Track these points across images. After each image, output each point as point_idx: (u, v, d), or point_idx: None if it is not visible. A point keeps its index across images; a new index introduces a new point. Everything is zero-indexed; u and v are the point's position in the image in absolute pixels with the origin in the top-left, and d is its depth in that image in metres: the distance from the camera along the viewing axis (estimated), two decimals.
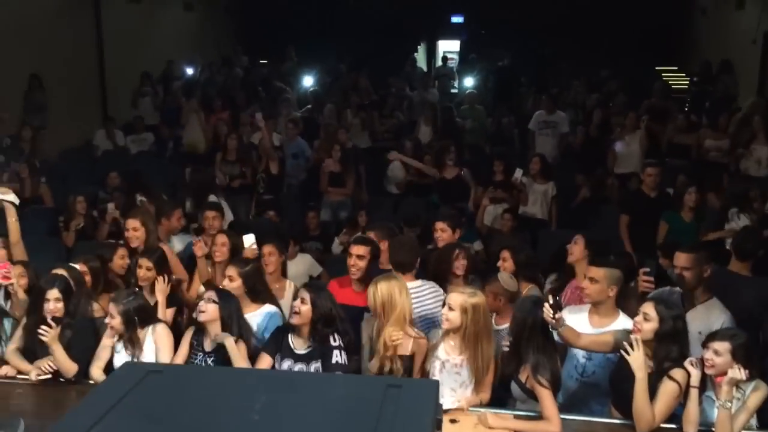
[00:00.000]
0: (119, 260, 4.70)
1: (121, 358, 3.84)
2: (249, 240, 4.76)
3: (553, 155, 8.99)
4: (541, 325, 3.48)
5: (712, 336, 3.37)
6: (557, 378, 3.50)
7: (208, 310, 3.79)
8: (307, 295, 3.68)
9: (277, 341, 3.77)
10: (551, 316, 3.41)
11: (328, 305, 3.70)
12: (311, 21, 15.46)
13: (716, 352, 3.27)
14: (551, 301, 3.46)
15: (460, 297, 3.56)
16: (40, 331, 3.76)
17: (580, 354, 3.76)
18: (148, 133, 10.35)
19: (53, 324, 3.78)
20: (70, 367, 3.81)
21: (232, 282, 4.10)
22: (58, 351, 3.79)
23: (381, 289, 3.68)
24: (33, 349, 3.94)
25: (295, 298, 4.52)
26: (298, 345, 3.72)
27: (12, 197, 4.63)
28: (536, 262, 4.74)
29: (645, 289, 4.05)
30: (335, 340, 3.67)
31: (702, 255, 4.02)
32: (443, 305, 3.64)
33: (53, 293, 3.88)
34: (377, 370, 3.63)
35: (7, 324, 4.13)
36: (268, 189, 7.74)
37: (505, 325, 4.03)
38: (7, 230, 4.62)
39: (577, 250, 4.53)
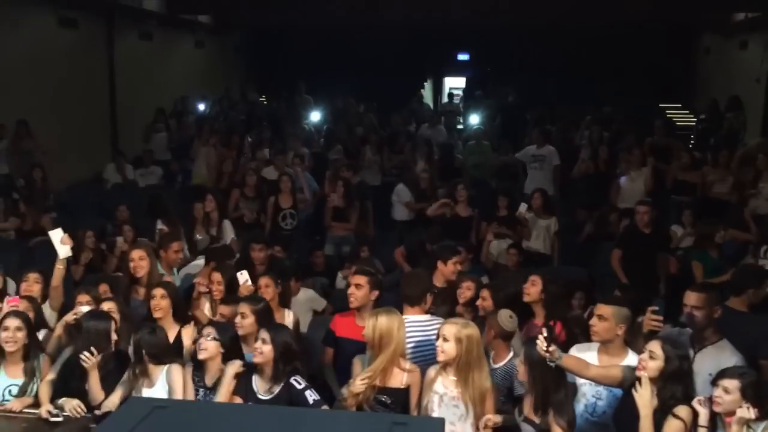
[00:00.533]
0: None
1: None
2: (243, 277, 4.76)
3: (546, 189, 9.08)
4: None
5: (722, 373, 3.35)
6: (573, 421, 3.51)
7: (209, 348, 3.79)
8: (266, 335, 3.69)
9: (243, 383, 3.74)
10: (545, 348, 3.41)
11: (288, 340, 3.72)
12: (319, 58, 15.69)
13: (726, 390, 3.24)
14: (545, 334, 3.46)
15: (454, 327, 3.58)
16: (82, 357, 3.82)
17: (590, 393, 3.75)
18: (156, 166, 10.47)
19: (95, 352, 3.83)
20: (97, 395, 3.85)
21: (245, 319, 4.10)
22: (94, 378, 3.86)
23: (381, 322, 3.69)
24: (72, 384, 3.96)
25: (296, 327, 4.59)
26: (262, 389, 3.72)
27: (66, 251, 4.78)
28: (518, 301, 4.68)
29: (653, 328, 3.99)
30: (300, 383, 3.66)
31: (713, 295, 3.99)
32: (437, 337, 3.65)
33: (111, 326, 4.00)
34: (353, 394, 3.64)
35: (40, 359, 4.14)
36: (294, 225, 7.77)
37: (501, 364, 4.06)
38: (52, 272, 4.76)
39: (534, 290, 4.53)
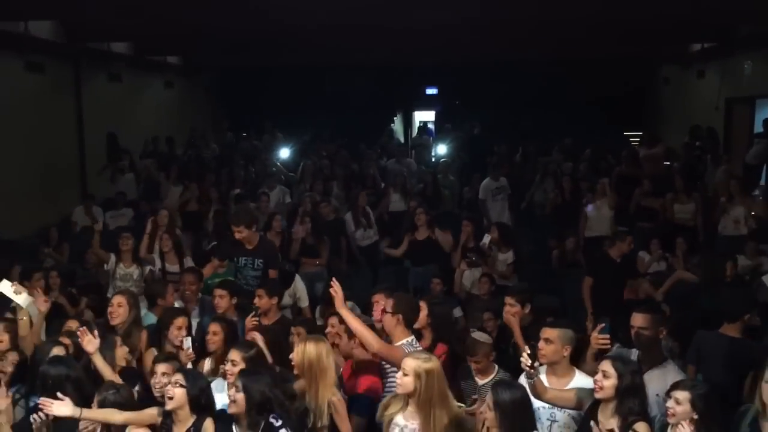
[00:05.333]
0: None
1: None
2: (187, 343, 4.56)
3: (508, 219, 9.26)
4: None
5: (675, 386, 3.48)
6: None
7: (176, 395, 3.61)
8: (240, 383, 3.58)
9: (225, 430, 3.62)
10: (528, 364, 3.50)
11: (264, 390, 3.58)
12: (289, 95, 15.82)
13: (677, 401, 3.37)
14: (528, 351, 3.55)
15: (414, 362, 3.58)
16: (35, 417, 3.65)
17: (545, 416, 3.79)
18: (128, 208, 10.41)
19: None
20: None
21: (235, 366, 3.98)
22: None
23: (309, 349, 3.82)
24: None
25: None
26: None
27: (23, 299, 4.68)
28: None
29: (600, 348, 4.08)
30: (277, 421, 3.56)
31: (658, 316, 4.12)
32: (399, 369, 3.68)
33: None
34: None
35: None
36: None
37: (488, 380, 4.24)
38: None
39: (421, 315, 4.67)
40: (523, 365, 3.54)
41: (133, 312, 4.93)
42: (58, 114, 11.05)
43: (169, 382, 3.70)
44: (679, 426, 3.27)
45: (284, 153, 13.52)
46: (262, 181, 10.92)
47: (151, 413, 3.73)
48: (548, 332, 3.85)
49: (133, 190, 11.26)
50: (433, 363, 3.61)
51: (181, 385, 3.62)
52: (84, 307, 6.52)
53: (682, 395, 3.36)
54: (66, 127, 11.27)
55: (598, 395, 3.47)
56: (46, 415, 3.61)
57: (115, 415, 3.65)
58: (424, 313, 4.67)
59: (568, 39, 11.58)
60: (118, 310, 4.88)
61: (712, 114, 12.48)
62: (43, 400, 3.58)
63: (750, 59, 11.19)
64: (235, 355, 4.04)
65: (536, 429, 3.55)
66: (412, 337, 4.25)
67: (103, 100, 12.13)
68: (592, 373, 3.76)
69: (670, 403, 3.38)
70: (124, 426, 3.71)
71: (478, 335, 4.49)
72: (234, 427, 3.65)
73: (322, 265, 7.82)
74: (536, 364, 3.54)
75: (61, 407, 3.55)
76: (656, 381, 3.83)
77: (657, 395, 3.70)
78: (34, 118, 10.26)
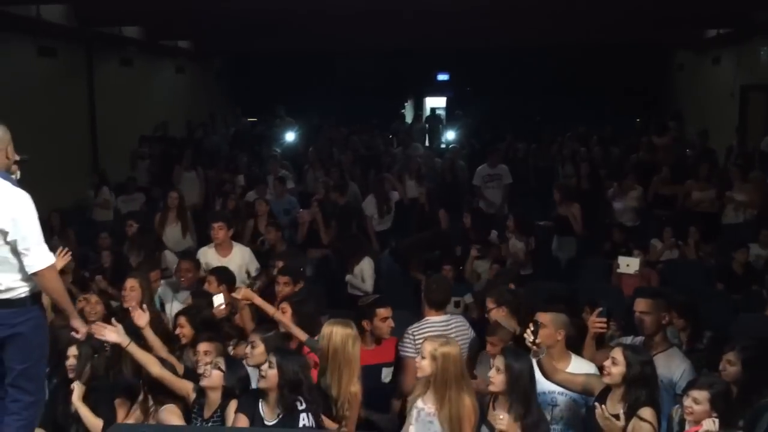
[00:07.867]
0: None
1: None
2: (218, 300, 4.70)
3: (501, 207, 9.20)
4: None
5: (692, 384, 3.45)
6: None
7: (212, 377, 3.69)
8: (273, 359, 3.58)
9: (250, 405, 3.62)
10: (531, 341, 3.53)
11: (295, 369, 3.58)
12: (300, 81, 15.79)
13: (695, 400, 3.34)
14: (532, 328, 3.57)
15: (431, 345, 3.57)
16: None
17: (545, 402, 3.79)
18: (140, 193, 10.45)
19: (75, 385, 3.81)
20: (95, 423, 3.81)
21: (255, 348, 3.96)
22: (84, 409, 3.81)
23: (336, 335, 3.79)
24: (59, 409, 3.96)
25: None
26: (268, 414, 3.60)
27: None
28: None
29: (598, 331, 4.07)
30: (302, 404, 3.57)
31: (661, 301, 4.11)
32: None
33: (72, 350, 3.94)
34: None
35: None
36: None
37: None
38: None
39: (286, 316, 4.61)
40: (527, 342, 3.56)
41: (146, 295, 4.97)
42: (71, 98, 11.07)
43: (211, 362, 3.76)
44: (707, 422, 3.25)
45: (290, 137, 13.49)
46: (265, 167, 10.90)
47: (186, 385, 3.80)
48: (541, 316, 3.85)
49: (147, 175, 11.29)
50: (451, 347, 3.59)
51: (221, 369, 3.70)
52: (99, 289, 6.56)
53: (701, 395, 3.33)
54: (79, 111, 11.28)
55: (605, 380, 3.51)
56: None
57: (155, 367, 3.75)
58: (288, 313, 4.55)
59: (580, 25, 11.46)
60: (131, 293, 4.89)
61: (727, 101, 12.35)
62: (97, 325, 3.81)
63: (766, 45, 11.04)
64: (254, 337, 4.06)
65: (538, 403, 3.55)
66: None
67: (114, 84, 12.14)
68: (592, 358, 3.76)
69: (688, 402, 3.36)
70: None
71: (504, 322, 4.41)
72: (261, 405, 3.63)
73: (325, 248, 7.82)
74: (539, 340, 3.55)
75: (113, 333, 3.76)
76: (660, 367, 3.79)
77: (661, 381, 3.69)
78: (47, 101, 10.29)
